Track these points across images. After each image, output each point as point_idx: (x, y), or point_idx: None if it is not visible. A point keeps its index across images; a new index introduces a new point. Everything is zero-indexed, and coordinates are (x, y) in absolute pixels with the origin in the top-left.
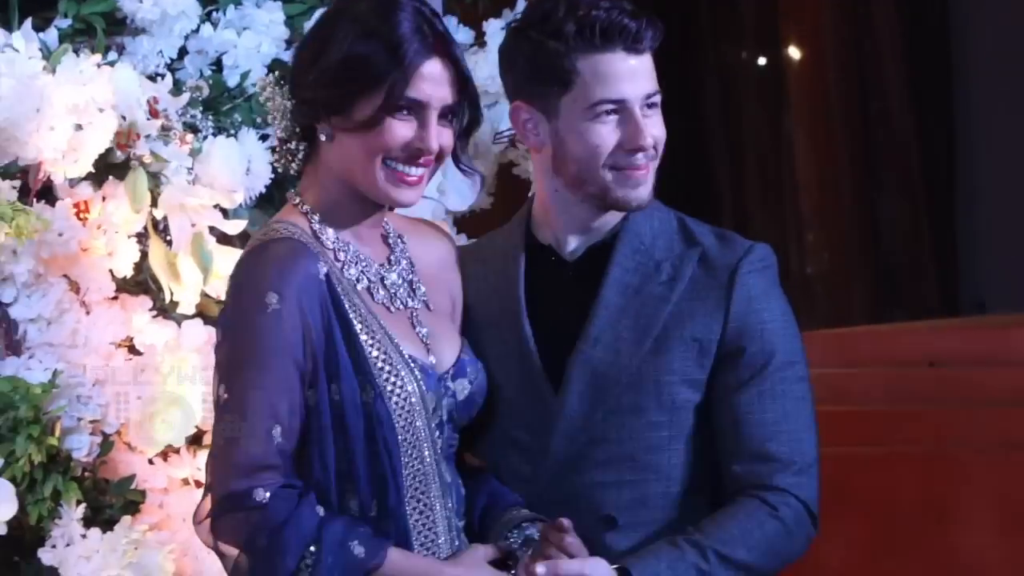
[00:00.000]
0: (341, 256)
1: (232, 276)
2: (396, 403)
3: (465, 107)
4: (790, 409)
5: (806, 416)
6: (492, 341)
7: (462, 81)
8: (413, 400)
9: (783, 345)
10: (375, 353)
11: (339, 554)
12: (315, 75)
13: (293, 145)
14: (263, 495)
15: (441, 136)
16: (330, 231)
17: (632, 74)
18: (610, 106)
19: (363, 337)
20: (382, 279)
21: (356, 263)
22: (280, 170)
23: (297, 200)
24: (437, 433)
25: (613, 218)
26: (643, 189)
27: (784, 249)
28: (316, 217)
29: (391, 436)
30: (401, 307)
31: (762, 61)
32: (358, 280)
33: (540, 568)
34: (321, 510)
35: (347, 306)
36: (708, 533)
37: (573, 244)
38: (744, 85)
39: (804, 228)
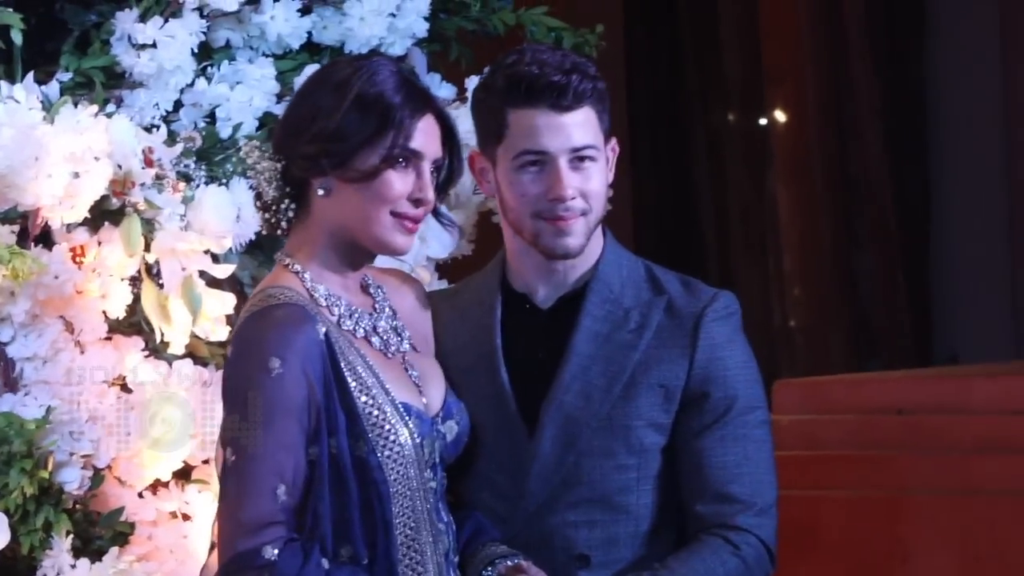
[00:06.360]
0: (335, 311)
1: (233, 343)
2: (388, 455)
3: (447, 163)
4: (751, 452)
5: (766, 459)
6: (469, 386)
7: (448, 136)
8: (406, 451)
9: (745, 391)
10: (368, 409)
11: None
12: (316, 130)
13: (283, 205)
14: (272, 552)
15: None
16: (321, 288)
17: (557, 128)
18: (532, 157)
19: (356, 393)
20: (374, 327)
21: (350, 315)
22: (265, 232)
23: (287, 261)
24: (430, 475)
25: (582, 267)
26: (570, 240)
27: (767, 302)
28: (308, 275)
29: (383, 487)
30: (395, 352)
31: (747, 123)
32: (354, 330)
33: None
34: (326, 563)
35: (343, 364)
36: (673, 569)
37: (543, 292)
38: (729, 146)
39: (786, 283)
